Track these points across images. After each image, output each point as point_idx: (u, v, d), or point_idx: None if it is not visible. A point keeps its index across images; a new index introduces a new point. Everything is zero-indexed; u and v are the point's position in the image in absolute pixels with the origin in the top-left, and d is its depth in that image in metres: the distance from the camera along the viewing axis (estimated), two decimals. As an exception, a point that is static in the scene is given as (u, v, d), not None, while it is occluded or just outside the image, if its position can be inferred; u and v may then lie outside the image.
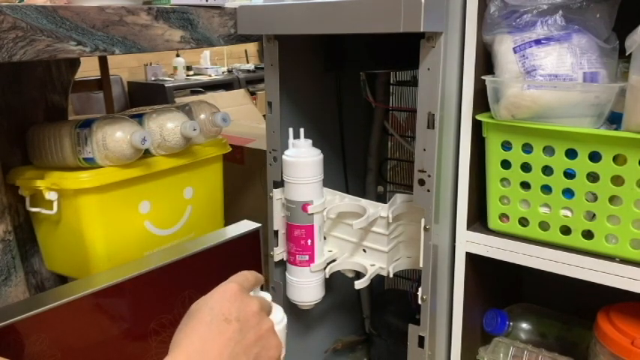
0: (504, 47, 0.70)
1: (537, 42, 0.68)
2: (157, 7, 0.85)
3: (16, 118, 1.03)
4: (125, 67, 3.85)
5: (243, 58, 4.52)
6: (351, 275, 0.93)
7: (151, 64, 3.94)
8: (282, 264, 0.93)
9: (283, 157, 0.87)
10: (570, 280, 0.70)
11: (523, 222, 0.73)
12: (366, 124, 1.09)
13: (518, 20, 0.69)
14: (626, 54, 0.62)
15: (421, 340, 0.79)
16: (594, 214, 0.68)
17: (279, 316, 0.61)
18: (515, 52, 0.69)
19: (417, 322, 0.79)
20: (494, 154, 0.73)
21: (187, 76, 4.05)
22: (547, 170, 0.70)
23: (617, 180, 0.65)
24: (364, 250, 0.90)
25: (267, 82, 0.89)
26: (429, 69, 0.71)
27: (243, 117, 2.94)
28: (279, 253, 0.93)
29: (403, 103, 1.11)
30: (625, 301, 0.72)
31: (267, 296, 0.63)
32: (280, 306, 0.63)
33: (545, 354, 0.80)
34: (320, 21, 0.76)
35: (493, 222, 0.76)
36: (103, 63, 2.58)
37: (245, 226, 1.07)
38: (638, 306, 0.72)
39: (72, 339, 0.81)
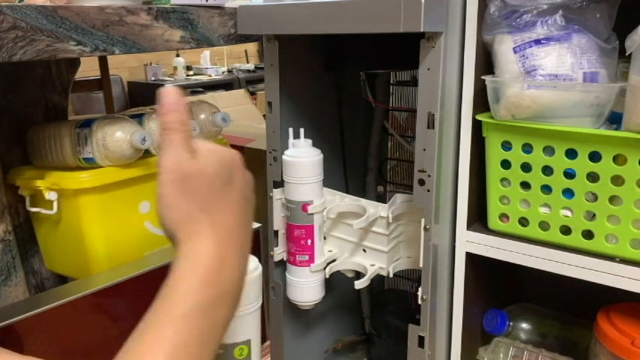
0: (504, 47, 0.70)
1: (537, 42, 0.68)
2: (157, 7, 0.85)
3: (16, 118, 1.03)
4: (125, 67, 3.85)
5: (243, 58, 4.52)
6: (351, 275, 0.93)
7: (150, 64, 3.94)
8: (282, 264, 0.93)
9: (283, 157, 0.87)
10: (570, 280, 0.70)
11: (523, 222, 0.73)
12: (366, 124, 1.09)
13: (518, 20, 0.69)
14: (626, 54, 0.62)
15: (421, 340, 0.79)
16: (594, 214, 0.68)
17: (252, 265, 0.61)
18: (515, 52, 0.69)
19: (417, 322, 0.79)
20: (494, 154, 0.73)
21: (187, 76, 4.06)
22: (547, 170, 0.70)
23: (617, 180, 0.65)
24: (364, 250, 0.90)
25: (267, 82, 0.89)
26: (429, 69, 0.71)
27: (243, 117, 2.94)
28: (279, 253, 0.93)
29: (403, 103, 1.11)
30: (625, 301, 0.72)
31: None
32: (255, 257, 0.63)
33: (545, 354, 0.80)
34: (320, 21, 0.76)
35: (493, 222, 0.76)
36: (103, 63, 2.58)
37: (245, 226, 1.07)
38: (638, 306, 0.72)
39: (72, 339, 0.81)
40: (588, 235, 0.68)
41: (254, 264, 0.62)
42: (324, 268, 0.90)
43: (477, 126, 0.74)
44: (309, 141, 0.87)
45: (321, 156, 0.87)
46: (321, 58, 0.97)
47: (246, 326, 0.62)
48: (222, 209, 0.51)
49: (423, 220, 0.76)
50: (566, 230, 0.70)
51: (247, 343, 0.62)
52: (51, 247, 1.03)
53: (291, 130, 0.87)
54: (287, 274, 0.92)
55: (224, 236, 0.50)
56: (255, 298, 0.62)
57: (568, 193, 0.69)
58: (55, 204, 0.93)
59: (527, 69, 0.68)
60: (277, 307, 0.96)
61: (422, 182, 0.74)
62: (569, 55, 0.67)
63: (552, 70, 0.67)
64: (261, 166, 1.04)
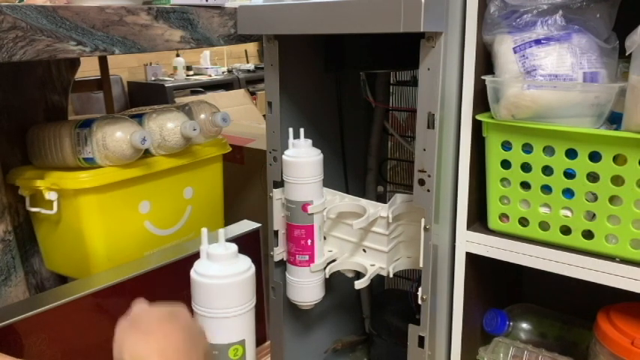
0: (504, 47, 0.70)
1: (537, 42, 0.68)
2: (157, 7, 0.85)
3: (16, 118, 1.03)
4: (125, 67, 3.85)
5: (243, 58, 4.52)
6: (351, 275, 0.93)
7: (150, 64, 3.94)
8: (282, 264, 0.93)
9: (283, 157, 0.87)
10: (570, 280, 0.70)
11: (523, 222, 0.73)
12: (366, 124, 1.09)
13: (518, 20, 0.69)
14: (626, 54, 0.62)
15: (421, 340, 0.79)
16: (594, 214, 0.68)
17: (245, 265, 0.62)
18: (515, 52, 0.69)
19: (417, 322, 0.79)
20: (494, 154, 0.73)
21: (187, 76, 4.05)
22: (547, 170, 0.70)
23: (617, 180, 0.65)
24: (364, 250, 0.90)
25: (267, 82, 0.89)
26: (429, 69, 0.71)
27: (243, 117, 2.94)
28: (279, 253, 0.93)
29: (403, 103, 1.11)
30: (625, 301, 0.72)
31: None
32: (247, 257, 0.64)
33: (545, 354, 0.80)
34: (320, 21, 0.76)
35: (493, 222, 0.76)
36: (103, 63, 2.58)
37: (245, 226, 1.07)
38: (638, 306, 0.72)
39: (72, 339, 0.81)
40: (588, 235, 0.68)
41: (247, 264, 0.62)
42: (324, 268, 0.90)
43: (477, 126, 0.74)
44: (309, 141, 0.87)
45: (321, 156, 0.87)
46: (321, 58, 0.97)
47: (241, 326, 0.62)
48: None
49: (423, 220, 0.76)
50: (566, 230, 0.70)
51: (242, 343, 0.62)
52: (51, 247, 1.03)
53: (291, 130, 0.87)
54: (287, 274, 0.92)
55: None
56: (249, 299, 0.62)
57: (568, 193, 0.69)
58: (55, 204, 0.93)
59: (527, 69, 0.68)
60: (277, 307, 0.96)
61: (422, 182, 0.74)
62: (569, 55, 0.67)
63: (552, 70, 0.67)
64: (261, 166, 1.04)
